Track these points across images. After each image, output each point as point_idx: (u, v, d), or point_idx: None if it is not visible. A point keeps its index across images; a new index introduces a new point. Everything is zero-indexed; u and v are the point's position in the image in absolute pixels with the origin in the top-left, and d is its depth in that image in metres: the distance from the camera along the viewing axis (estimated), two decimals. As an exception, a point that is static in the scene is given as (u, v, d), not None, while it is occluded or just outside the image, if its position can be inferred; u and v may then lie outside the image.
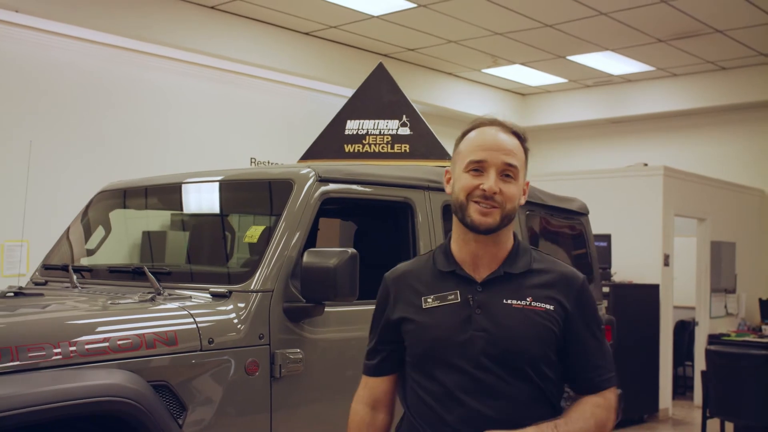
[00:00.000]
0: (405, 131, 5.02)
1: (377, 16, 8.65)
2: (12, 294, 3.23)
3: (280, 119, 9.57)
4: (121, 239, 4.27)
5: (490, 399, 1.99)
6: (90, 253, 4.17)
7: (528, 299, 2.06)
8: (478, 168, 2.06)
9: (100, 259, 4.15)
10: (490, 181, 2.03)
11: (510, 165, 2.06)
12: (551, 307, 2.06)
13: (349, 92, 9.69)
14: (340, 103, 9.85)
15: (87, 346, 2.64)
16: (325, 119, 9.73)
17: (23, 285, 4.03)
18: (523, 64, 10.58)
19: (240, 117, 9.16)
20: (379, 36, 9.40)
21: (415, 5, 8.24)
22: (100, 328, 2.76)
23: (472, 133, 2.13)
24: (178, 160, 8.29)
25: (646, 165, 9.60)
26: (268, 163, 9.36)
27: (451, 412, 2.01)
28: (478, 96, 11.74)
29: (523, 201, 2.16)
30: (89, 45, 7.87)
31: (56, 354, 2.57)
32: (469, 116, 11.52)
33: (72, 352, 2.60)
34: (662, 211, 9.04)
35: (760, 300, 10.14)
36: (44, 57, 7.56)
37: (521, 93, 12.37)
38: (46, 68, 7.55)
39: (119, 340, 2.72)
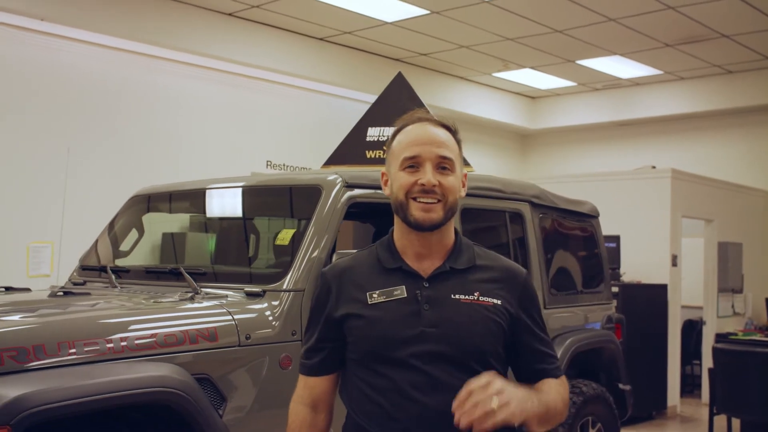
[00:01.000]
0: (424, 138, 5.24)
1: (391, 23, 8.86)
2: (61, 293, 3.44)
3: (295, 123, 9.78)
4: (154, 241, 4.48)
5: (441, 395, 1.94)
6: (124, 254, 4.37)
7: (476, 294, 2.04)
8: (413, 164, 2.04)
9: (133, 260, 4.36)
10: (427, 175, 2.01)
11: (444, 157, 2.04)
12: (498, 302, 2.05)
13: (363, 96, 9.95)
14: (354, 107, 10.13)
15: (136, 341, 2.85)
16: (339, 123, 9.99)
17: (54, 285, 4.24)
18: (533, 68, 10.76)
19: (256, 121, 9.37)
20: (393, 41, 9.61)
21: (428, 12, 8.44)
22: (147, 325, 2.97)
23: (403, 132, 2.11)
24: (196, 162, 8.52)
25: (654, 168, 9.76)
26: (284, 165, 9.58)
27: (402, 409, 1.97)
28: (489, 99, 11.93)
29: (463, 194, 2.13)
30: (113, 52, 8.08)
31: (109, 348, 2.78)
32: (480, 119, 11.75)
33: (123, 346, 2.81)
34: (670, 213, 9.18)
35: (767, 299, 10.29)
36: (69, 64, 7.77)
37: (531, 96, 12.56)
38: (70, 75, 7.77)
39: (165, 335, 2.93)
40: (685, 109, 11.35)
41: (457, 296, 2.03)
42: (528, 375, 2.11)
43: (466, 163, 5.30)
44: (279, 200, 3.95)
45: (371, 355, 2.03)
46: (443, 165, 2.04)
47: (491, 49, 9.86)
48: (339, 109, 10.20)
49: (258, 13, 8.60)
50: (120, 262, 4.33)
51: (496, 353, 2.05)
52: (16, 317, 3.01)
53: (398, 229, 2.12)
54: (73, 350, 2.70)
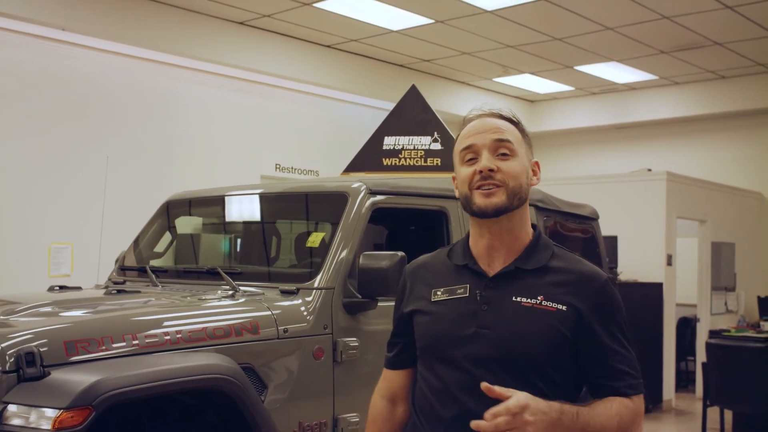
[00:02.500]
0: (437, 146, 5.57)
1: (396, 31, 9.18)
2: (115, 291, 3.76)
3: (303, 127, 10.11)
4: (186, 244, 4.81)
5: (487, 399, 1.82)
6: (158, 256, 4.70)
7: (539, 297, 1.94)
8: (471, 156, 2.01)
9: (167, 261, 4.69)
10: (483, 160, 1.97)
11: (501, 140, 1.99)
12: (564, 308, 1.93)
13: (369, 101, 10.30)
14: (360, 112, 10.48)
15: (190, 334, 3.18)
16: (345, 127, 10.35)
17: (98, 285, 4.57)
18: (532, 73, 11.10)
19: (266, 125, 9.70)
20: (397, 48, 9.93)
21: (432, 21, 8.77)
22: (197, 319, 3.29)
23: (463, 131, 2.10)
24: (209, 165, 8.88)
25: (650, 170, 10.08)
26: (292, 168, 9.91)
27: (447, 408, 1.94)
28: (489, 103, 12.23)
29: (536, 182, 2.08)
30: (129, 60, 8.42)
31: (166, 339, 3.11)
32: (480, 123, 12.04)
33: (178, 338, 3.14)
34: (665, 214, 9.48)
35: (759, 297, 10.60)
36: (87, 72, 8.10)
37: (530, 100, 12.90)
38: (87, 82, 8.09)
39: (214, 329, 3.26)
40: (679, 113, 11.68)
41: (518, 299, 1.95)
42: (596, 390, 1.98)
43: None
44: (308, 205, 4.28)
45: (426, 351, 2.04)
46: (501, 150, 1.98)
47: (492, 56, 10.20)
48: (345, 113, 10.54)
49: (269, 21, 8.92)
50: (154, 263, 4.65)
51: (553, 362, 1.93)
52: (82, 313, 3.34)
53: (472, 228, 2.08)
54: (136, 341, 3.03)
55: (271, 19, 8.81)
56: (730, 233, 10.87)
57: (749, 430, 7.59)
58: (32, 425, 2.62)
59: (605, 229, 6.44)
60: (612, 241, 9.17)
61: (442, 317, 2.01)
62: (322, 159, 10.19)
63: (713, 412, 7.51)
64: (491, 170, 1.96)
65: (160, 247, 4.74)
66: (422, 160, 5.46)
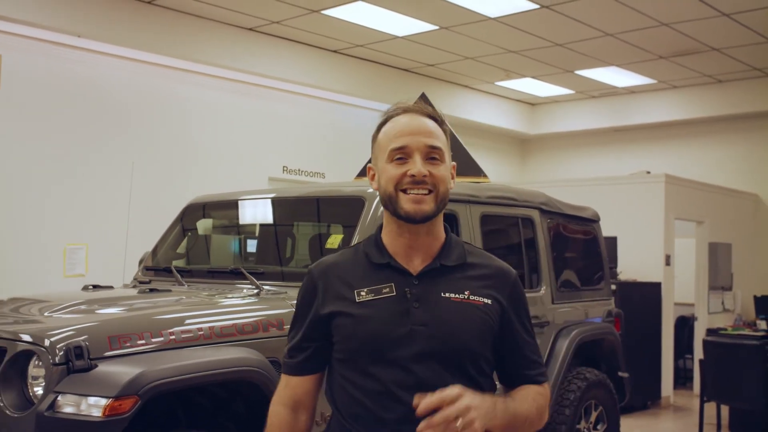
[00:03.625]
0: (446, 152, 5.82)
1: (402, 37, 9.41)
2: (148, 290, 3.99)
3: (310, 130, 10.33)
4: (207, 245, 5.04)
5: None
6: (181, 257, 4.93)
7: (466, 293, 1.97)
8: (401, 156, 1.98)
9: (189, 262, 4.92)
10: (417, 165, 1.94)
11: (433, 147, 1.98)
12: (489, 302, 1.99)
13: (374, 105, 10.52)
14: (365, 115, 10.72)
15: (221, 329, 3.42)
16: (351, 130, 10.59)
17: (126, 284, 4.81)
18: (534, 77, 11.33)
19: (274, 128, 9.92)
20: (402, 53, 10.16)
21: (437, 27, 9.00)
22: (227, 315, 3.54)
23: (389, 123, 2.04)
24: (220, 167, 9.10)
25: (648, 173, 10.30)
26: (299, 170, 10.14)
27: (390, 410, 1.90)
28: (491, 106, 12.50)
29: (452, 185, 2.06)
30: (142, 65, 8.64)
31: (200, 335, 3.35)
32: (481, 125, 12.31)
33: (211, 333, 3.38)
34: (664, 215, 9.67)
35: (755, 297, 10.76)
36: (99, 76, 8.33)
37: (531, 103, 13.13)
38: (99, 87, 8.32)
39: (243, 324, 3.50)
40: (678, 116, 11.92)
41: (447, 294, 1.97)
42: (510, 379, 2.07)
43: (481, 174, 5.88)
44: (326, 209, 4.51)
45: (358, 353, 1.96)
46: (432, 155, 1.98)
47: (495, 61, 10.43)
48: (351, 116, 10.77)
49: (277, 28, 9.15)
50: (177, 263, 4.88)
51: (485, 354, 1.99)
52: (121, 310, 3.58)
53: (387, 225, 2.05)
54: (173, 336, 3.27)
55: (279, 25, 9.04)
56: (727, 234, 11.06)
57: (745, 424, 7.85)
58: (83, 413, 2.85)
59: (605, 230, 6.65)
60: (612, 241, 9.37)
61: (373, 318, 1.95)
62: (328, 161, 10.42)
63: (710, 407, 7.74)
64: (424, 176, 1.94)
65: (182, 249, 4.96)
66: (432, 165, 5.70)
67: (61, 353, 2.99)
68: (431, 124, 2.02)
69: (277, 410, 2.10)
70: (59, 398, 2.91)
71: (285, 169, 10.02)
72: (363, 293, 1.98)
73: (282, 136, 10.02)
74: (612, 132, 12.86)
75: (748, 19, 8.53)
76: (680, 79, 11.28)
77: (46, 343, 3.04)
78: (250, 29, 9.21)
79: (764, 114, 11.34)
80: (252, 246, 4.84)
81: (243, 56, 9.20)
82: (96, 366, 2.99)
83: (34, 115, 7.81)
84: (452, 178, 2.06)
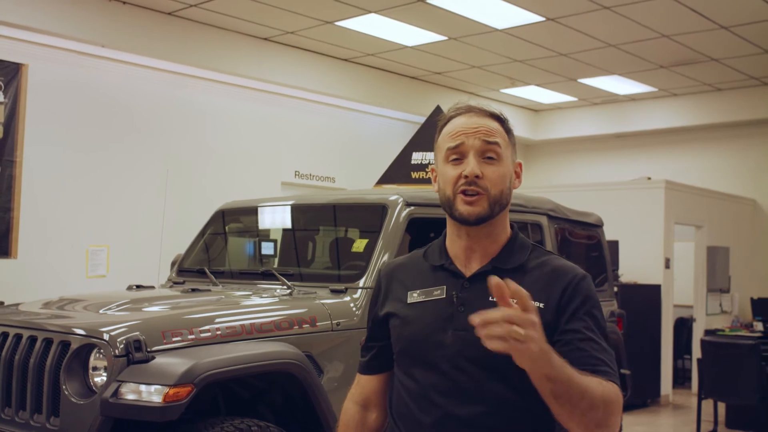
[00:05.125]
0: (459, 161, 6.17)
1: (411, 46, 9.74)
2: (190, 290, 4.32)
3: (322, 136, 10.67)
4: (236, 248, 5.37)
5: (465, 402, 1.85)
6: (212, 259, 5.26)
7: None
8: (457, 155, 1.94)
9: (219, 264, 5.24)
10: (470, 165, 1.90)
11: (490, 143, 1.93)
12: (541, 305, 1.86)
13: (383, 111, 10.87)
14: (375, 122, 11.06)
15: (261, 325, 3.75)
16: (361, 136, 10.94)
17: (164, 285, 5.13)
18: (538, 85, 11.66)
19: (287, 134, 10.25)
20: (411, 62, 10.49)
21: (446, 38, 9.33)
22: (265, 312, 3.87)
23: (448, 125, 2.02)
24: (235, 172, 9.45)
25: (649, 179, 10.62)
26: (311, 175, 10.48)
27: (427, 413, 1.88)
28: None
29: (517, 184, 2.02)
30: (160, 73, 8.99)
31: (242, 330, 3.68)
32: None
33: (252, 328, 3.71)
34: (664, 220, 10.00)
35: (752, 299, 11.03)
36: (122, 84, 8.67)
37: (534, 109, 13.47)
38: (121, 94, 8.66)
39: (280, 321, 3.83)
40: (677, 123, 12.23)
41: (495, 299, 1.74)
42: None
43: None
44: (351, 215, 4.85)
45: (403, 355, 1.98)
46: (488, 154, 1.93)
47: (500, 69, 10.76)
48: (361, 123, 11.12)
49: (291, 38, 9.48)
50: (209, 265, 5.20)
51: None
52: (169, 307, 3.91)
53: (448, 228, 2.03)
54: (218, 331, 3.60)
55: (294, 35, 9.37)
56: (725, 238, 11.36)
57: (740, 420, 8.19)
58: (144, 400, 3.18)
59: (607, 234, 6.92)
60: (614, 245, 9.64)
61: (418, 320, 1.95)
62: (338, 166, 10.76)
63: (707, 405, 8.07)
64: (477, 176, 1.90)
65: (213, 252, 5.29)
66: (446, 173, 6.05)
67: (122, 346, 3.32)
68: (491, 122, 1.98)
69: (348, 407, 2.15)
70: (122, 386, 3.23)
71: (297, 173, 10.35)
72: (415, 294, 1.99)
73: (295, 142, 10.35)
74: (613, 138, 13.16)
75: (746, 32, 8.86)
76: (680, 88, 11.60)
77: (108, 337, 3.36)
78: (265, 39, 9.54)
79: (762, 121, 11.66)
80: (279, 249, 5.16)
81: (258, 65, 9.53)
82: (153, 358, 3.32)
83: (58, 122, 8.14)
84: (517, 177, 2.02)
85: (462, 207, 1.90)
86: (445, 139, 1.98)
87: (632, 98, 12.34)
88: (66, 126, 8.19)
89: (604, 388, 1.73)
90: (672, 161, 12.49)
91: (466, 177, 1.89)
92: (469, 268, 1.97)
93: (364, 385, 2.14)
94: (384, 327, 2.05)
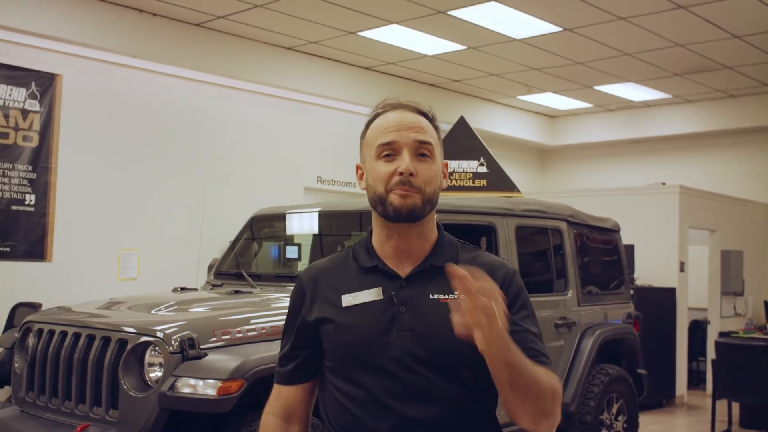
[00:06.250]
0: (483, 169, 6.42)
1: (431, 55, 10.00)
2: (233, 292, 4.59)
3: (343, 143, 10.89)
4: (270, 252, 5.64)
5: (421, 403, 1.81)
6: (247, 263, 5.53)
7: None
8: (389, 152, 1.89)
9: (254, 267, 5.51)
10: (405, 161, 1.85)
11: (423, 142, 1.89)
12: None
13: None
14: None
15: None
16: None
17: (204, 286, 5.40)
18: (554, 92, 11.89)
19: (309, 141, 10.52)
20: (430, 70, 10.76)
21: (465, 47, 9.59)
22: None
23: (377, 120, 1.97)
24: (259, 177, 9.72)
25: (664, 184, 10.80)
26: (332, 181, 10.74)
27: (379, 420, 1.81)
28: (512, 119, 13.06)
29: (445, 184, 1.98)
30: (190, 83, 9.27)
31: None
32: (502, 137, 12.86)
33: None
34: (678, 224, 10.15)
35: (765, 302, 11.22)
36: (152, 93, 8.97)
37: (550, 115, 13.70)
38: (151, 102, 8.96)
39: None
40: (691, 129, 12.43)
41: (435, 296, 1.87)
42: None
43: (515, 189, 6.46)
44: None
45: (346, 361, 1.89)
46: (422, 151, 1.89)
47: (518, 77, 11.01)
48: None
49: (314, 47, 9.76)
50: (244, 269, 5.47)
51: (478, 355, 1.74)
52: (215, 308, 4.18)
53: (376, 227, 1.97)
54: (264, 330, 3.88)
55: (317, 45, 9.65)
56: (739, 242, 11.51)
57: (754, 420, 8.39)
58: (200, 393, 3.45)
59: (623, 238, 7.13)
60: (629, 249, 9.78)
61: (359, 323, 1.88)
62: (359, 172, 10.99)
63: (722, 405, 8.27)
64: (411, 174, 1.86)
65: (248, 256, 5.56)
66: (470, 181, 6.31)
67: (176, 344, 3.59)
68: (422, 120, 1.95)
69: (269, 421, 2.02)
70: (177, 381, 3.50)
71: (319, 179, 10.62)
72: (350, 298, 1.91)
73: (317, 148, 10.61)
74: (628, 144, 13.37)
75: (758, 41, 9.08)
76: (694, 94, 11.81)
77: (162, 335, 3.63)
78: (290, 48, 9.81)
79: (774, 127, 11.84)
80: (310, 253, 5.42)
81: (282, 74, 9.82)
82: (206, 354, 3.58)
83: (91, 130, 8.43)
84: (444, 176, 1.98)
85: (396, 200, 1.85)
86: (377, 134, 1.93)
87: (647, 105, 12.55)
88: (98, 134, 8.48)
89: (550, 377, 1.77)
90: (686, 166, 12.67)
91: (401, 174, 1.85)
92: (402, 268, 1.92)
93: (286, 396, 2.01)
94: (312, 334, 1.95)
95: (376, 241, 1.96)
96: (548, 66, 10.36)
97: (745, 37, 8.95)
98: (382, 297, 1.89)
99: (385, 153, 1.89)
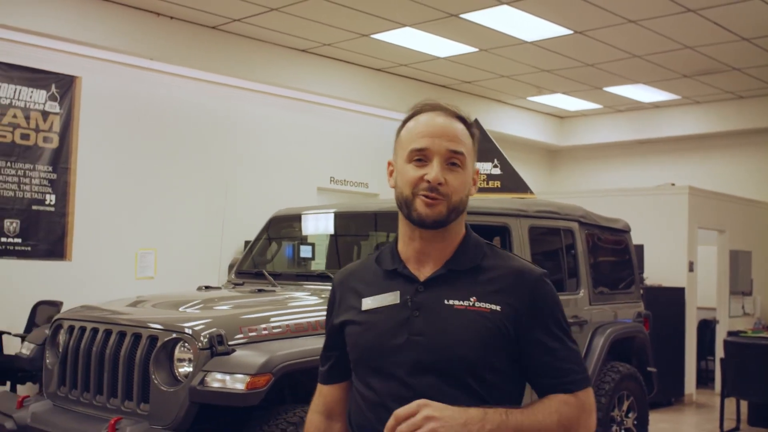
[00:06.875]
0: (496, 171, 6.56)
1: (443, 58, 10.13)
2: (257, 290, 4.73)
3: (355, 144, 11.07)
4: (289, 252, 5.78)
5: None
6: (267, 262, 5.67)
7: (472, 299, 1.84)
8: (420, 157, 1.88)
9: (274, 266, 5.65)
10: (434, 171, 1.84)
11: (455, 152, 1.88)
12: (498, 308, 1.83)
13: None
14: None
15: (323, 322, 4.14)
16: (393, 142, 11.26)
17: (225, 285, 5.55)
18: (564, 93, 12.01)
19: (322, 141, 10.66)
20: (442, 72, 10.89)
21: (477, 50, 9.72)
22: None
23: (413, 121, 1.96)
24: (274, 177, 9.86)
25: (673, 185, 10.89)
26: (345, 181, 10.88)
27: (384, 422, 1.74)
28: (522, 119, 13.18)
29: (474, 192, 1.97)
30: (207, 85, 9.43)
31: (308, 326, 4.08)
32: (513, 137, 12.98)
33: (317, 325, 4.11)
34: (687, 224, 10.26)
35: (773, 301, 11.42)
36: (169, 95, 9.12)
37: (560, 116, 13.81)
38: (168, 104, 9.12)
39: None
40: (700, 130, 12.55)
41: (450, 302, 1.85)
42: (537, 390, 1.88)
43: (528, 191, 6.59)
44: (395, 222, 5.22)
45: (360, 364, 1.92)
46: (453, 160, 1.88)
47: (528, 78, 11.14)
48: (393, 130, 11.31)
49: (328, 49, 9.90)
50: (264, 268, 5.61)
51: (491, 366, 1.82)
52: (241, 305, 4.32)
53: (402, 227, 1.97)
54: (288, 327, 4.01)
55: (330, 47, 9.79)
56: (747, 242, 11.61)
57: (762, 417, 8.50)
58: (229, 387, 3.59)
59: (633, 238, 7.26)
60: (639, 249, 9.84)
61: (373, 327, 1.89)
62: (371, 172, 11.16)
63: (730, 403, 8.38)
64: (440, 183, 1.85)
65: (268, 255, 5.70)
66: (484, 182, 6.45)
67: (206, 340, 3.73)
68: (458, 126, 1.93)
69: (312, 418, 2.10)
70: (207, 376, 3.64)
71: (332, 179, 10.76)
72: (369, 301, 1.92)
73: (330, 149, 10.76)
74: (637, 144, 13.49)
75: (767, 43, 9.19)
76: (703, 95, 11.92)
77: (192, 332, 3.78)
78: (303, 51, 9.95)
79: (783, 128, 11.93)
80: (328, 253, 5.56)
81: (296, 75, 9.96)
82: (234, 350, 3.72)
83: (109, 131, 8.59)
84: (474, 183, 1.98)
85: (421, 208, 1.85)
86: (411, 137, 1.93)
87: (656, 106, 12.66)
88: (116, 135, 8.64)
89: (561, 414, 1.78)
90: (695, 167, 12.78)
91: (428, 182, 1.84)
92: (423, 272, 1.91)
93: (326, 395, 2.10)
94: (340, 336, 2.00)
95: (401, 243, 1.97)
96: (558, 68, 10.48)
97: (752, 40, 9.06)
98: (398, 301, 1.89)
99: (417, 158, 1.89)
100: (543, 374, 1.84)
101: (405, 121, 1.99)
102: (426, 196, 1.84)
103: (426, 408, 1.66)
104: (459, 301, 1.84)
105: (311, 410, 2.10)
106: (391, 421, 1.66)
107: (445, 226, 1.88)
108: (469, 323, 1.81)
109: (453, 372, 1.80)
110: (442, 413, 1.66)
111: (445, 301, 1.85)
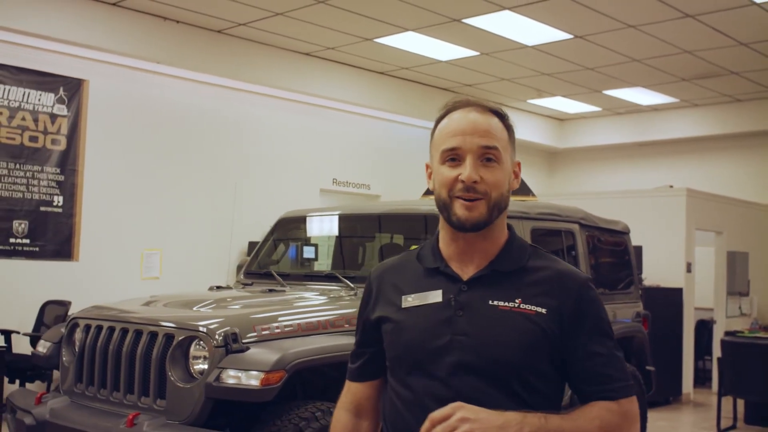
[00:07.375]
0: (499, 174, 6.67)
1: (445, 61, 10.27)
2: (268, 290, 4.86)
3: (358, 146, 11.20)
4: (297, 252, 5.91)
5: None
6: (275, 263, 5.79)
7: (517, 300, 1.80)
8: (453, 157, 1.83)
9: (282, 267, 5.78)
10: (468, 170, 1.80)
11: (488, 147, 1.82)
12: (543, 311, 1.80)
13: (416, 122, 11.38)
14: (409, 132, 11.56)
15: (335, 321, 4.28)
16: (396, 145, 11.45)
17: (235, 285, 5.67)
18: (563, 96, 12.15)
19: (325, 143, 10.79)
20: (443, 75, 11.02)
21: (478, 53, 9.85)
22: (337, 310, 4.40)
23: (444, 120, 1.90)
24: (277, 179, 9.99)
25: (671, 187, 11.02)
26: (347, 182, 11.00)
27: (421, 422, 1.69)
28: (521, 121, 13.27)
29: (516, 185, 1.92)
30: (212, 88, 9.56)
31: (319, 324, 4.21)
32: (513, 140, 13.07)
33: (327, 323, 4.24)
34: (685, 226, 10.35)
35: (770, 302, 11.53)
36: (174, 98, 9.25)
37: (559, 119, 13.95)
38: (174, 107, 9.25)
39: (350, 317, 4.34)
40: (698, 133, 12.68)
41: (495, 302, 1.81)
42: (580, 396, 1.84)
43: (530, 193, 6.71)
44: (405, 224, 5.37)
45: (399, 362, 1.88)
46: (488, 156, 1.83)
47: (529, 82, 11.27)
48: (395, 132, 11.64)
49: (331, 53, 10.03)
50: (272, 268, 5.73)
51: (535, 369, 1.79)
52: (252, 305, 4.45)
53: (442, 229, 1.92)
54: (300, 326, 4.14)
55: (333, 50, 9.92)
56: (745, 243, 11.70)
57: (759, 416, 8.64)
58: (244, 383, 3.71)
59: (631, 239, 7.39)
60: (638, 250, 9.92)
61: (414, 325, 1.85)
62: (373, 174, 11.30)
63: (727, 402, 8.51)
64: (474, 181, 1.80)
65: (276, 256, 5.83)
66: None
67: (221, 338, 3.86)
68: (491, 120, 1.87)
69: (340, 415, 2.05)
70: (222, 372, 3.77)
71: (335, 181, 10.89)
72: (410, 299, 1.88)
73: (332, 151, 10.89)
74: (636, 147, 13.62)
75: (764, 47, 9.34)
76: (701, 98, 12.06)
77: (207, 330, 3.91)
78: (307, 54, 10.08)
79: (780, 131, 12.05)
80: (335, 254, 5.68)
81: (299, 79, 10.09)
82: (248, 348, 3.85)
83: (116, 134, 8.72)
84: (516, 177, 1.93)
85: (460, 212, 1.81)
86: (442, 137, 1.88)
87: (655, 108, 12.80)
88: (122, 137, 8.77)
89: (602, 421, 1.75)
90: (693, 169, 12.90)
91: (463, 182, 1.80)
92: (466, 271, 1.87)
93: (354, 392, 2.04)
94: (376, 332, 1.96)
95: (442, 242, 1.93)
96: (559, 71, 10.62)
97: (750, 44, 9.20)
98: (441, 300, 1.85)
99: (450, 157, 1.84)
100: (586, 380, 1.81)
101: (437, 122, 1.93)
102: (464, 198, 1.80)
103: (461, 410, 1.64)
104: (504, 302, 1.81)
105: (339, 407, 2.05)
106: (426, 424, 1.64)
107: (488, 226, 1.84)
108: (515, 325, 1.79)
109: (496, 374, 1.77)
110: (478, 415, 1.64)
111: (490, 302, 1.81)
